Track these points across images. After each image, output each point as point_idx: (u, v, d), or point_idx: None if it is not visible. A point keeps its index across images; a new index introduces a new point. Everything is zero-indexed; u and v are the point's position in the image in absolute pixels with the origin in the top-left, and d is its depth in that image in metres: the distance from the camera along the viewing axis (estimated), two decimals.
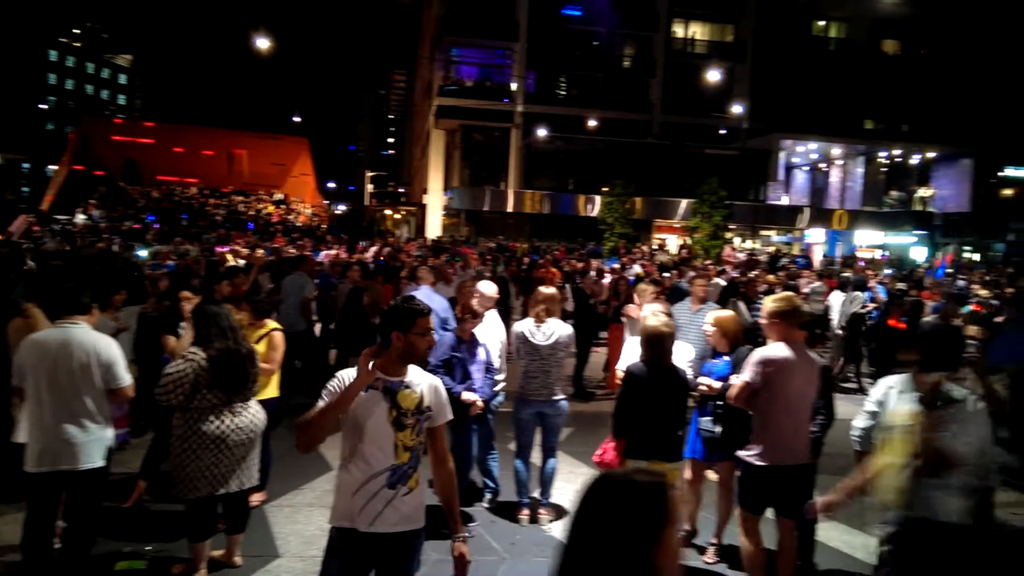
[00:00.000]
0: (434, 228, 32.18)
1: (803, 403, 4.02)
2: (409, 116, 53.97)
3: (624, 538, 1.31)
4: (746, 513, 4.13)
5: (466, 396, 4.98)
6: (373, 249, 17.15)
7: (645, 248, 23.29)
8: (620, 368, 4.84)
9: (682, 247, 25.11)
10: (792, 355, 3.96)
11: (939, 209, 32.40)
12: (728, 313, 5.15)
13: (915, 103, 34.20)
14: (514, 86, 32.32)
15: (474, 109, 31.21)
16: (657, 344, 4.08)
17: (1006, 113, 33.43)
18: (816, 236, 32.13)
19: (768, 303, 4.17)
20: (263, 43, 19.63)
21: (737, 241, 29.62)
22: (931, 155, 32.87)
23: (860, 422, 3.83)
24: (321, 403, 2.71)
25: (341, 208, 54.35)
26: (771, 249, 28.66)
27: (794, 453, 3.98)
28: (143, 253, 14.18)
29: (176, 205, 32.19)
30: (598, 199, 28.34)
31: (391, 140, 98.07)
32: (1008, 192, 34.46)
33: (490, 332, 5.54)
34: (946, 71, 33.60)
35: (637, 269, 15.04)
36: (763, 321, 4.22)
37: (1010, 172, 33.48)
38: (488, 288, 5.47)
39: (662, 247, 25.99)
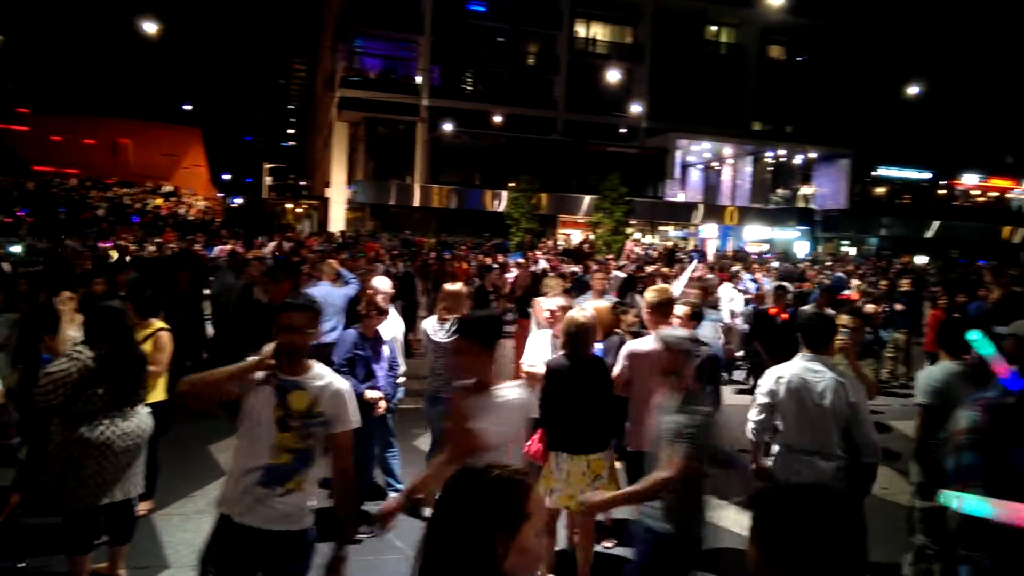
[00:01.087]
0: (338, 222, 31.45)
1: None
2: (311, 107, 52.40)
3: (471, 531, 1.35)
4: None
5: (369, 395, 4.91)
6: (271, 244, 16.57)
7: (550, 243, 23.72)
8: (524, 362, 4.95)
9: (583, 242, 25.72)
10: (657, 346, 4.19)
11: (820, 206, 34.67)
12: (603, 304, 5.41)
13: (798, 106, 36.54)
14: (419, 80, 32.02)
15: (378, 102, 30.69)
16: (579, 337, 4.13)
17: (879, 117, 36.27)
18: (709, 231, 33.69)
19: (646, 295, 4.41)
20: (152, 26, 18.46)
21: (637, 236, 30.62)
22: (812, 155, 35.10)
23: (754, 413, 4.11)
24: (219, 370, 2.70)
25: (237, 201, 52.17)
26: (669, 244, 29.88)
27: None
28: (16, 249, 13.12)
29: (53, 197, 29.89)
30: (504, 194, 28.56)
31: (292, 131, 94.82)
32: (880, 190, 37.38)
33: (390, 328, 5.49)
34: (826, 77, 36.06)
35: (543, 264, 15.27)
36: (644, 313, 4.47)
37: (882, 172, 36.29)
38: (382, 284, 5.42)
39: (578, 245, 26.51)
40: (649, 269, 13.23)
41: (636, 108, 32.31)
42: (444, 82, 32.72)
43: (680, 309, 4.73)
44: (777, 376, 4.01)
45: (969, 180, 37.21)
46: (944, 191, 37.96)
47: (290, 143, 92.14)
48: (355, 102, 30.65)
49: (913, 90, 33.26)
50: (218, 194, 48.52)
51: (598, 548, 4.83)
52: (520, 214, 26.07)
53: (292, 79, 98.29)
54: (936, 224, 35.50)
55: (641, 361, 4.23)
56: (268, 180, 59.48)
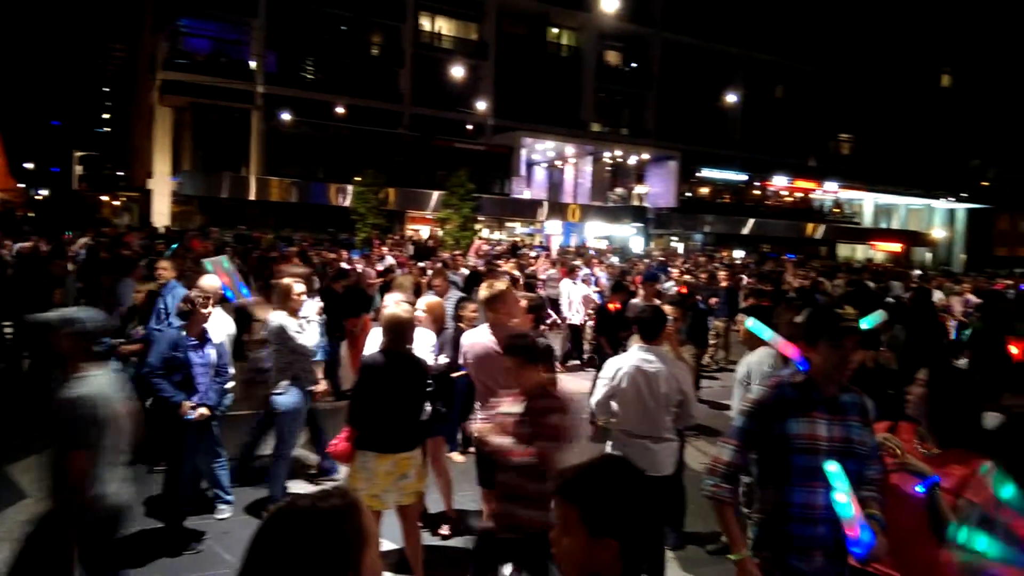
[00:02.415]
0: (162, 216, 28.93)
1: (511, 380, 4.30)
2: (131, 90, 47.82)
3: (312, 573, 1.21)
4: (483, 490, 4.36)
5: (188, 410, 4.54)
6: (83, 240, 14.92)
7: (398, 237, 23.38)
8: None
9: (429, 238, 25.65)
10: (488, 338, 4.27)
11: (652, 204, 37.00)
12: (437, 299, 5.47)
13: (632, 110, 38.82)
14: (253, 65, 30.25)
15: (207, 86, 28.57)
16: (396, 332, 4.07)
17: (702, 122, 39.43)
18: (554, 228, 34.87)
19: (480, 291, 4.49)
20: None
21: (485, 232, 31.02)
22: (645, 157, 37.35)
23: (596, 399, 4.30)
24: None
25: (43, 193, 46.53)
26: (517, 239, 30.58)
27: None
28: None
29: None
30: (350, 188, 27.74)
31: (107, 116, 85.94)
32: (704, 190, 40.57)
33: (220, 330, 5.11)
34: (657, 82, 38.62)
35: (390, 260, 15.00)
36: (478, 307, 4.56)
37: (706, 173, 39.40)
38: (209, 281, 5.04)
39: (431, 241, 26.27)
40: (507, 265, 13.40)
41: (482, 105, 32.67)
42: (281, 69, 31.15)
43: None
44: (617, 366, 4.22)
45: (779, 182, 41.40)
46: (758, 191, 41.95)
47: (105, 129, 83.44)
48: (180, 86, 28.35)
49: (731, 98, 36.47)
50: (19, 184, 43.03)
51: (435, 541, 4.82)
52: (366, 209, 25.45)
53: (109, 59, 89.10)
54: (751, 221, 39.15)
55: (472, 351, 4.31)
56: (79, 169, 53.52)
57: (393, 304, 4.22)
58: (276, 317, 5.10)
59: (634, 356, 4.23)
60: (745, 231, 38.81)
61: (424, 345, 4.99)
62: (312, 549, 1.20)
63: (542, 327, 6.95)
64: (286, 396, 5.02)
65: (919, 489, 2.47)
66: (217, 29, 30.71)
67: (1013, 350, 3.49)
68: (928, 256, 45.47)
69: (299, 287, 5.22)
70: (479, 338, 4.39)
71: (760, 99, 41.57)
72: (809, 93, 43.27)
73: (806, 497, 2.48)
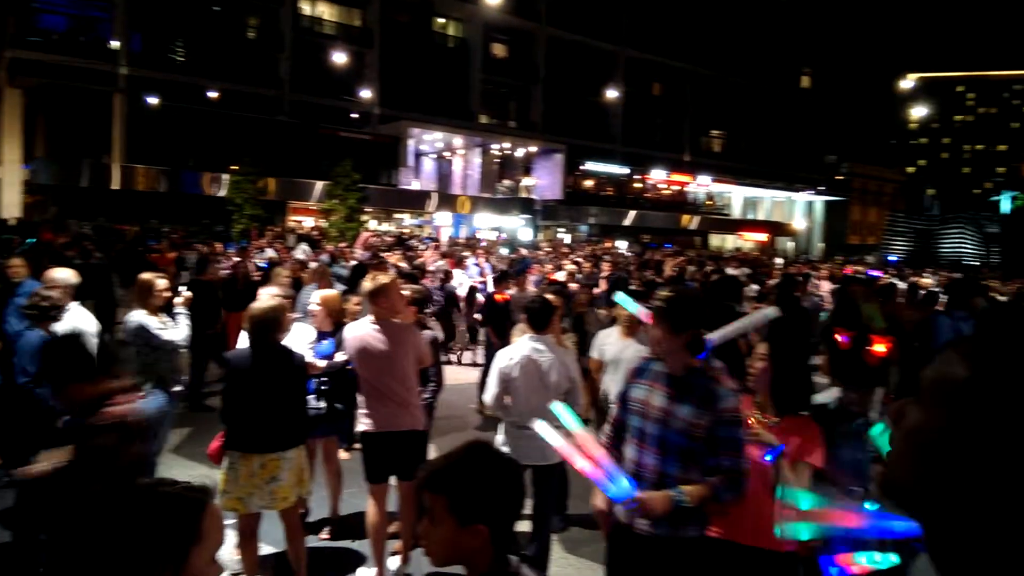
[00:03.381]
0: (11, 207, 26.31)
1: (396, 373, 4.24)
2: None
3: (125, 567, 1.17)
4: (369, 483, 4.32)
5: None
6: None
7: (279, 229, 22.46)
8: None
9: (313, 229, 24.85)
10: (372, 330, 4.23)
11: (539, 196, 37.64)
12: (333, 293, 5.30)
13: (520, 102, 39.28)
14: (115, 44, 28.03)
15: (63, 66, 26.19)
16: (261, 326, 3.92)
17: (586, 116, 40.50)
18: (443, 219, 34.74)
19: (363, 284, 4.40)
20: None
21: (373, 224, 30.43)
22: (532, 149, 37.91)
23: (490, 390, 4.33)
24: None
25: None
26: (406, 231, 30.22)
27: (396, 420, 4.22)
28: None
29: None
30: (226, 178, 26.30)
31: None
32: (589, 183, 41.74)
33: (80, 328, 4.71)
34: (542, 76, 39.27)
35: (270, 253, 14.40)
36: (360, 299, 4.48)
37: (590, 166, 40.52)
38: (59, 274, 4.64)
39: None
40: (394, 258, 13.18)
41: (367, 93, 31.95)
42: (147, 50, 29.06)
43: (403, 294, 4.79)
44: (508, 356, 4.30)
45: (657, 175, 43.26)
46: (639, 184, 43.66)
47: None
48: (32, 65, 25.85)
49: (612, 94, 37.68)
50: None
51: (319, 542, 4.72)
52: (244, 199, 24.25)
53: None
54: (633, 213, 40.71)
55: (357, 343, 4.25)
56: None
57: (266, 297, 4.07)
58: (135, 316, 4.79)
59: (525, 346, 4.32)
60: (627, 222, 40.29)
61: (304, 340, 4.87)
62: (135, 527, 1.19)
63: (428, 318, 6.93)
64: (149, 399, 4.72)
65: (767, 458, 2.69)
66: (74, 5, 28.21)
67: (879, 348, 3.80)
68: (790, 245, 49.05)
69: (162, 283, 4.93)
70: (360, 331, 4.31)
71: (639, 96, 43.26)
72: (684, 91, 45.50)
73: (636, 454, 2.73)
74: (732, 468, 2.57)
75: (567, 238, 36.33)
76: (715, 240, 46.35)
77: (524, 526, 4.22)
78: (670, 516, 2.56)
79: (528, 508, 4.54)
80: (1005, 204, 41.93)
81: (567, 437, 2.57)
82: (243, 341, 4.68)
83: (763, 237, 47.92)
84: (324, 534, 4.85)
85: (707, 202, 47.70)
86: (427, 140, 36.50)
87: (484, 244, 22.89)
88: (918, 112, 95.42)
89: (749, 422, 2.88)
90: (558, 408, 2.72)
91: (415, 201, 34.10)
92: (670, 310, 2.69)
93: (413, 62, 35.06)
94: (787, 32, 49.57)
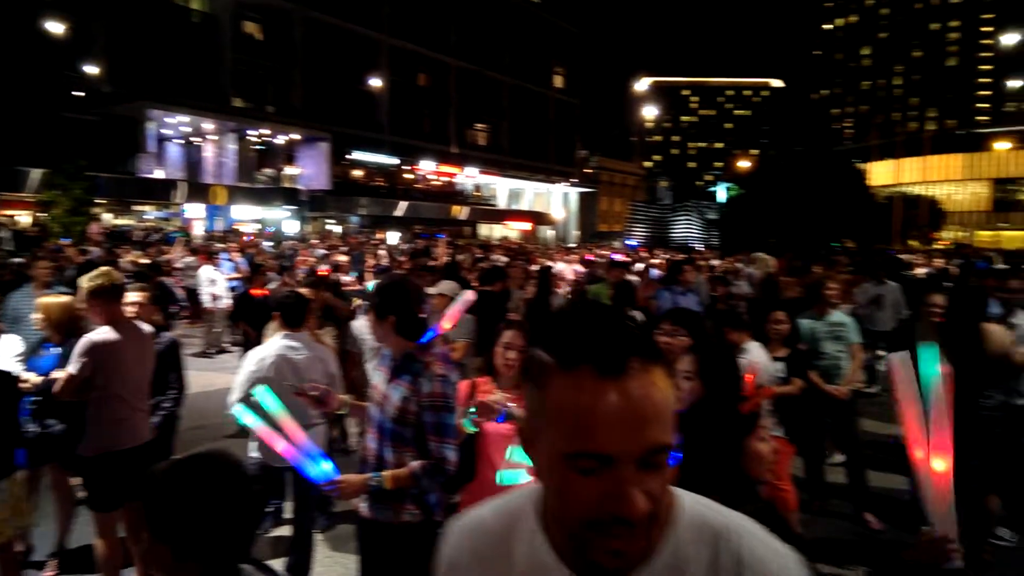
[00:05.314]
0: None
1: (141, 382, 3.90)
2: None
3: None
4: (97, 513, 3.81)
5: None
6: None
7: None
8: None
9: (34, 224, 21.36)
10: (119, 335, 3.76)
11: (305, 186, 36.10)
12: (59, 300, 4.57)
13: (278, 87, 37.10)
14: None
15: None
16: None
17: (351, 104, 39.52)
18: (195, 211, 31.80)
19: (84, 282, 3.83)
20: None
21: (108, 217, 26.93)
22: (295, 136, 36.18)
23: (237, 393, 4.03)
24: None
25: None
26: (150, 224, 27.16)
27: (137, 434, 3.84)
28: None
29: None
30: None
31: None
32: (358, 173, 40.92)
33: None
34: (302, 60, 37.48)
35: None
36: (84, 303, 3.90)
37: (358, 156, 39.71)
38: None
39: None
40: (131, 255, 11.70)
41: (92, 69, 28.04)
42: None
43: (134, 296, 4.27)
44: (260, 356, 4.06)
45: (426, 166, 43.71)
46: (409, 175, 43.78)
47: None
48: None
49: (377, 83, 37.26)
50: None
51: None
52: None
53: None
54: (404, 204, 40.75)
55: (108, 353, 3.69)
56: None
57: None
58: None
59: (278, 344, 4.10)
60: (399, 213, 40.25)
61: (9, 353, 4.18)
62: None
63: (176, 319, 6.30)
64: None
65: (498, 420, 2.85)
66: None
67: None
68: (551, 233, 52.61)
69: None
70: (95, 338, 3.72)
71: (406, 86, 43.30)
72: (449, 84, 46.46)
73: (367, 439, 2.78)
74: (436, 454, 2.58)
75: (337, 229, 35.33)
76: (484, 229, 48.12)
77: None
78: (390, 500, 2.61)
79: (289, 511, 4.37)
80: (721, 194, 48.82)
81: (268, 420, 2.50)
82: None
83: (527, 226, 50.80)
84: (49, 571, 4.23)
85: (475, 193, 49.31)
86: (172, 124, 33.05)
87: (250, 238, 21.43)
88: (652, 112, 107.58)
89: (484, 394, 3.02)
90: (259, 391, 2.66)
91: (159, 191, 30.70)
92: (373, 297, 2.78)
93: (152, 37, 31.37)
94: (541, 32, 52.86)
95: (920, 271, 13.22)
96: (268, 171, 36.22)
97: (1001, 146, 72.09)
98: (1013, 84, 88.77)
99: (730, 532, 0.90)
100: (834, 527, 4.87)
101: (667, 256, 18.38)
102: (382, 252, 14.10)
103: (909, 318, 5.71)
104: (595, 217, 60.05)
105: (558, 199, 56.34)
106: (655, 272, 10.68)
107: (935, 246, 37.54)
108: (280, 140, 35.68)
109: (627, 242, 34.11)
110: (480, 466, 2.97)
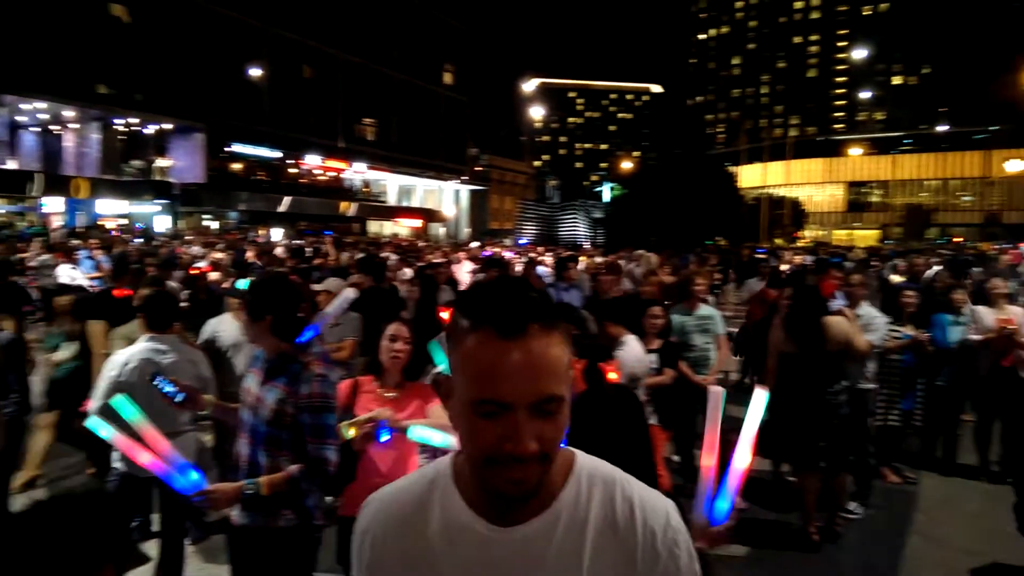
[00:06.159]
0: None
1: None
2: None
3: None
4: None
5: None
6: None
7: None
8: None
9: None
10: None
11: (178, 179, 34.04)
12: None
13: (147, 73, 34.64)
14: None
15: None
16: None
17: (230, 94, 37.57)
18: (54, 205, 29.26)
19: None
20: None
21: None
22: (167, 126, 34.02)
23: (98, 399, 3.74)
24: None
25: None
26: (2, 219, 24.73)
27: None
28: None
29: None
30: None
31: None
32: (237, 166, 39.02)
33: None
34: (173, 45, 35.17)
35: None
36: None
37: (237, 148, 37.85)
38: None
39: None
40: None
41: None
42: None
43: None
44: (123, 360, 3.79)
45: (312, 160, 42.34)
46: (294, 170, 42.24)
47: None
48: None
49: (257, 72, 35.69)
50: None
51: None
52: None
53: None
54: (288, 199, 39.29)
55: None
56: None
57: None
58: None
59: (143, 348, 3.85)
60: (282, 209, 38.78)
61: None
62: None
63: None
64: None
65: (383, 437, 2.83)
66: None
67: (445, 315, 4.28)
68: (443, 231, 52.47)
69: None
70: None
71: (290, 77, 41.67)
72: (336, 77, 45.19)
73: (239, 445, 2.67)
74: (315, 456, 2.51)
75: (214, 225, 33.58)
76: (373, 226, 47.26)
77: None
78: (262, 506, 2.51)
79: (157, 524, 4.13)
80: (606, 194, 50.48)
81: (128, 430, 2.39)
82: None
83: (418, 223, 50.38)
84: None
85: (364, 189, 48.32)
86: (26, 111, 30.19)
87: (116, 234, 19.95)
88: (540, 112, 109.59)
89: (367, 401, 3.01)
90: (118, 400, 2.51)
91: (12, 184, 27.99)
92: (248, 296, 2.69)
93: (2, 17, 28.47)
94: (430, 28, 52.49)
95: (783, 267, 14.26)
96: (137, 163, 33.89)
97: (855, 152, 79.02)
98: (864, 95, 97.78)
99: (622, 479, 1.07)
100: None
101: (556, 253, 18.79)
102: (279, 251, 13.55)
103: (768, 311, 6.16)
104: (486, 215, 60.48)
105: (449, 196, 56.25)
106: (542, 270, 10.92)
107: (798, 244, 40.65)
108: (150, 130, 33.44)
109: (518, 240, 34.64)
110: (362, 467, 2.94)
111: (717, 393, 1.58)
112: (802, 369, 4.45)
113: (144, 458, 2.31)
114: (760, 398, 1.69)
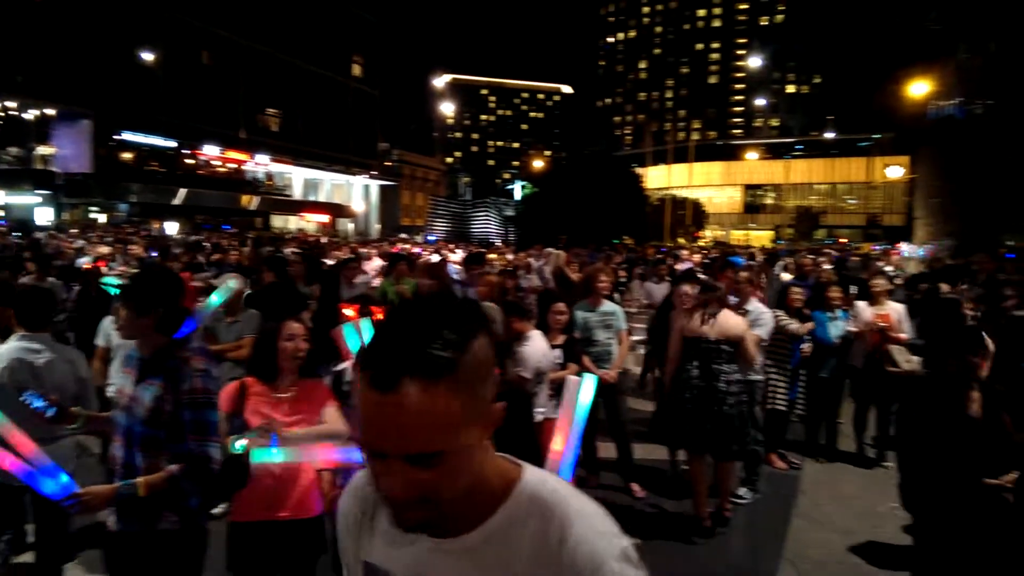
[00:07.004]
0: None
1: None
2: None
3: None
4: None
5: None
6: None
7: None
8: None
9: None
10: None
11: (62, 169, 31.80)
12: None
13: (29, 54, 32.01)
14: None
15: None
16: None
17: (119, 80, 35.28)
18: None
19: None
20: None
21: None
22: (50, 112, 31.69)
23: None
24: None
25: None
26: None
27: None
28: None
29: None
30: None
31: None
32: (128, 156, 36.76)
33: None
34: (58, 25, 32.67)
35: None
36: None
37: (128, 137, 35.66)
38: None
39: None
40: None
41: None
42: None
43: None
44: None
45: (210, 151, 40.44)
46: (191, 160, 40.21)
47: None
48: None
49: (150, 56, 33.74)
50: None
51: None
52: None
53: None
54: (184, 192, 37.40)
55: None
56: None
57: None
58: None
59: (14, 348, 3.58)
60: (177, 201, 36.90)
61: None
62: None
63: None
64: None
65: (275, 453, 2.77)
66: None
67: (348, 312, 4.18)
68: (351, 226, 51.39)
69: None
70: None
71: (186, 63, 39.60)
72: (237, 64, 43.31)
73: (114, 449, 2.55)
74: (197, 453, 2.41)
75: (102, 218, 31.54)
76: (277, 221, 45.72)
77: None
78: (141, 509, 2.40)
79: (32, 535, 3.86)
80: (518, 192, 50.93)
81: None
82: None
83: (325, 219, 49.10)
84: None
85: (267, 182, 46.65)
86: None
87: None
88: (452, 109, 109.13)
89: (257, 404, 2.94)
90: None
91: None
92: (133, 290, 2.55)
93: None
94: (338, 19, 51.18)
95: (680, 266, 14.85)
96: (15, 150, 31.44)
97: (751, 156, 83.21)
98: (759, 102, 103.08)
99: (562, 510, 0.97)
100: (607, 497, 5.33)
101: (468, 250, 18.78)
102: (135, 245, 12.85)
103: (663, 306, 6.34)
104: (397, 211, 59.69)
105: (358, 191, 55.15)
106: (453, 268, 10.88)
107: (698, 243, 42.40)
108: (30, 115, 31.01)
109: (428, 237, 34.33)
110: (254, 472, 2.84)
111: (574, 383, 1.63)
112: (699, 355, 4.65)
113: (7, 462, 2.16)
114: (575, 385, 1.73)
